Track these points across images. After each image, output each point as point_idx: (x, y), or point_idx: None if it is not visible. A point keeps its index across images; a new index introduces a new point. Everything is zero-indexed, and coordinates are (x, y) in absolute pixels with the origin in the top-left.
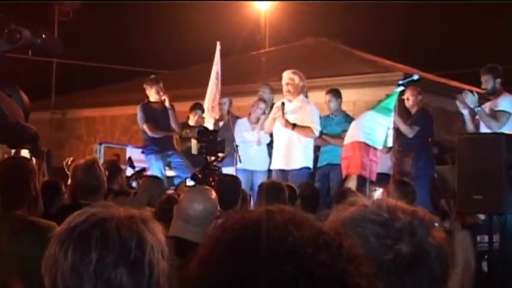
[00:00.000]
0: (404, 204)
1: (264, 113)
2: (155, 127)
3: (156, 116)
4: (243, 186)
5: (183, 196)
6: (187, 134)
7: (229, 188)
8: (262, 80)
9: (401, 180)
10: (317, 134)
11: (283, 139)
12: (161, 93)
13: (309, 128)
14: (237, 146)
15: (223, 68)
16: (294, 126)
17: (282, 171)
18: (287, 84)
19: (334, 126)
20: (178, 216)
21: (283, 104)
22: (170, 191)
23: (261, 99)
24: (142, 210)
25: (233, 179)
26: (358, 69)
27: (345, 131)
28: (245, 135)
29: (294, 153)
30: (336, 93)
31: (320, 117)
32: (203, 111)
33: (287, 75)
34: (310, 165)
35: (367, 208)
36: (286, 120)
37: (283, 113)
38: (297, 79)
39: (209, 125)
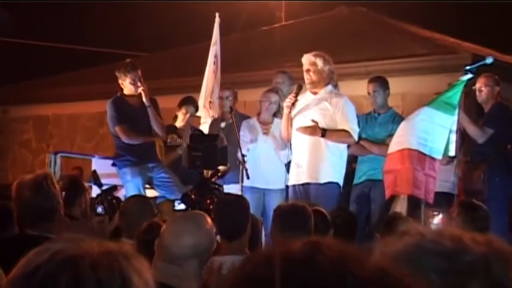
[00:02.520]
0: (474, 233)
1: (278, 108)
2: (131, 130)
3: (132, 115)
4: (252, 210)
5: (165, 227)
6: (174, 140)
7: (234, 213)
8: (277, 65)
9: (469, 203)
10: (355, 138)
11: (305, 146)
12: (139, 84)
13: (344, 131)
14: (243, 156)
15: (225, 50)
16: (325, 132)
17: (302, 186)
18: (308, 71)
19: (377, 128)
20: (160, 255)
21: (296, 94)
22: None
23: (273, 90)
24: (120, 243)
25: (239, 200)
26: (409, 50)
27: (392, 135)
28: (256, 141)
29: (319, 164)
30: (382, 82)
31: (357, 116)
32: (197, 108)
33: (307, 59)
34: (341, 181)
35: (424, 237)
36: (314, 125)
37: (291, 107)
38: (320, 63)
39: (205, 127)
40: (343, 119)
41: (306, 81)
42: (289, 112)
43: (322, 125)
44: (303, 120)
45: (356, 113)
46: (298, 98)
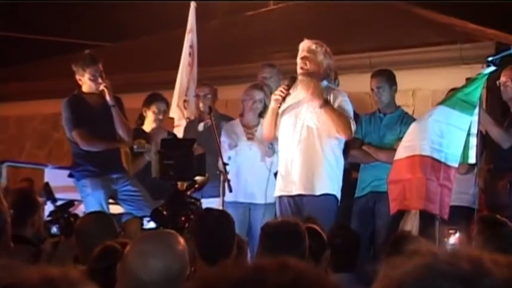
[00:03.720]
0: (497, 254)
1: (265, 107)
2: (91, 135)
3: (92, 116)
4: (237, 229)
5: (130, 248)
6: (142, 145)
7: (215, 232)
8: (264, 57)
9: (491, 219)
10: (353, 130)
11: (294, 149)
12: (100, 80)
13: (346, 117)
14: (225, 164)
15: (202, 39)
16: (325, 104)
17: (293, 199)
18: (304, 58)
19: (383, 130)
20: (124, 282)
21: (288, 86)
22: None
23: (258, 86)
24: (65, 269)
25: (220, 217)
26: (420, 39)
27: (400, 138)
28: (238, 146)
29: (313, 171)
30: (388, 77)
31: (358, 116)
32: (168, 107)
33: (306, 45)
34: (338, 193)
35: (438, 258)
36: (318, 89)
37: (280, 102)
38: (320, 54)
39: (179, 130)
40: (340, 108)
41: (299, 70)
42: (278, 107)
43: (314, 126)
44: (292, 119)
45: (356, 113)
46: (290, 91)
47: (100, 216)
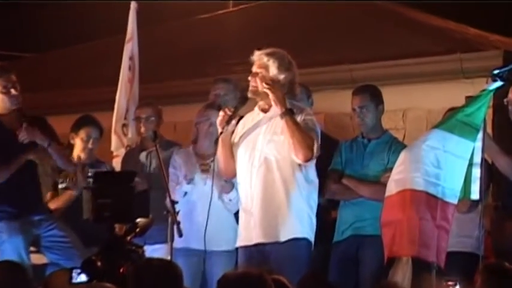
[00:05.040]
0: None
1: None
2: (6, 164)
3: (5, 141)
4: (188, 281)
5: None
6: (70, 180)
7: (161, 285)
8: (221, 70)
9: (499, 267)
10: (314, 152)
11: (255, 185)
12: (14, 92)
13: (309, 135)
14: (174, 203)
15: (145, 49)
16: (289, 113)
17: (255, 247)
18: (254, 75)
19: (367, 159)
20: None
21: (235, 108)
22: None
23: (214, 106)
24: None
25: (163, 269)
26: (413, 47)
27: (388, 169)
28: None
29: (278, 212)
30: (373, 94)
31: (336, 142)
32: (102, 132)
33: (258, 59)
34: (311, 236)
35: None
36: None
37: (224, 126)
38: (273, 67)
39: (117, 162)
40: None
41: (249, 90)
42: (221, 133)
43: (273, 158)
44: (248, 151)
45: (334, 139)
46: (245, 114)
47: (12, 267)
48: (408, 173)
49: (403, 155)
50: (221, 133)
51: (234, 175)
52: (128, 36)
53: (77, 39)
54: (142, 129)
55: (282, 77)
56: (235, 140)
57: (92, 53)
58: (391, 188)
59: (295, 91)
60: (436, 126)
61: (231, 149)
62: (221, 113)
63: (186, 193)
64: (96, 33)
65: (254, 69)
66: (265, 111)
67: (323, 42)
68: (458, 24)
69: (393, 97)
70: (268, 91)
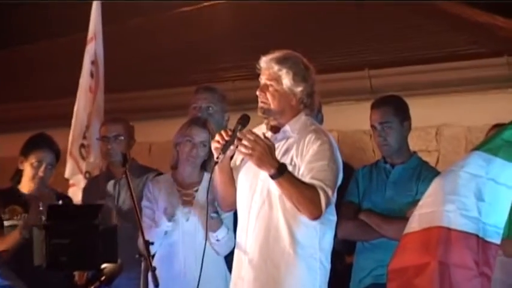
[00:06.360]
0: None
1: (210, 155)
2: None
3: None
4: None
5: None
6: (17, 215)
7: None
8: (205, 77)
9: None
10: (323, 207)
11: (249, 223)
12: None
13: (312, 188)
14: (148, 244)
15: (111, 51)
16: (281, 171)
17: None
18: (264, 89)
19: (391, 190)
20: None
21: (235, 130)
22: None
23: (198, 122)
24: None
25: None
26: (447, 48)
27: (417, 201)
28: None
29: (274, 261)
30: (397, 107)
31: (351, 169)
32: (58, 156)
33: (267, 68)
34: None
35: None
36: (259, 151)
37: (220, 152)
38: (286, 77)
39: (76, 192)
40: (310, 161)
41: (259, 107)
42: (216, 162)
43: (277, 193)
44: (249, 179)
45: (349, 165)
46: (244, 137)
47: None
48: (439, 206)
49: (434, 184)
50: (216, 163)
51: (235, 207)
52: (90, 34)
53: (24, 38)
54: (109, 152)
55: (298, 90)
56: (237, 163)
57: (41, 55)
58: (414, 224)
59: (314, 104)
60: (478, 148)
61: (231, 175)
62: (217, 138)
63: (166, 232)
64: (48, 30)
65: (263, 80)
66: (274, 131)
67: (335, 43)
68: (508, 20)
69: (423, 111)
70: (248, 156)
